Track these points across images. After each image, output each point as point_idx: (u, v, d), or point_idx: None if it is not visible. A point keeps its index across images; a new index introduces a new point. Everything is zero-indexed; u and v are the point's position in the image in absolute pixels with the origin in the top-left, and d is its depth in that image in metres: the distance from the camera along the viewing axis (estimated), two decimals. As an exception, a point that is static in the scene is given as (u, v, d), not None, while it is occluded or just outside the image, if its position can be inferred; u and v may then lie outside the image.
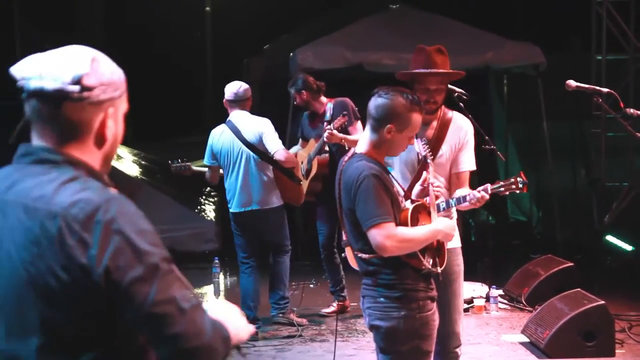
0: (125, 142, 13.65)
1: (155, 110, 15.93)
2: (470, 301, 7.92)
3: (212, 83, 17.33)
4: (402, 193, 4.17)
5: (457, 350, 4.83)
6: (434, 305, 4.09)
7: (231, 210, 7.34)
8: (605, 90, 5.00)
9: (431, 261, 4.01)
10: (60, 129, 1.97)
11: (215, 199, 12.10)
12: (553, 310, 6.74)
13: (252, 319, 7.19)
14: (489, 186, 4.51)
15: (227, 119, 7.24)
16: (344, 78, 9.88)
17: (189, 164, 7.63)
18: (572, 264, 8.15)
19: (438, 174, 4.69)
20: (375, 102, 4.03)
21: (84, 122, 1.99)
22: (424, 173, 4.34)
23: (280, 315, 7.55)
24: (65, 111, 1.96)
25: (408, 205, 4.06)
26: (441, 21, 10.90)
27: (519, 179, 4.51)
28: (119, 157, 12.53)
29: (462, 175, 4.84)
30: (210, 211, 11.80)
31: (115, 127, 2.06)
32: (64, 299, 1.86)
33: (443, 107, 4.87)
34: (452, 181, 4.84)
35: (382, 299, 3.99)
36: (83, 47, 2.06)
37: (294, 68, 9.95)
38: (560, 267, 8.11)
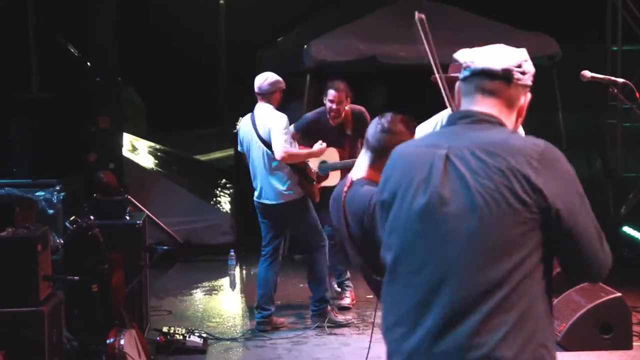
0: (141, 134, 13.72)
1: (170, 102, 15.97)
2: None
3: (225, 75, 17.36)
4: None
5: None
6: None
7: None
8: (620, 80, 4.97)
9: None
10: (499, 100, 2.55)
11: (231, 190, 12.12)
12: (569, 302, 6.72)
13: (257, 308, 7.21)
14: None
15: (253, 110, 7.29)
16: (358, 70, 9.86)
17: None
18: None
19: None
20: (376, 135, 3.80)
21: (515, 98, 2.58)
22: None
23: (315, 318, 7.37)
24: (505, 87, 2.55)
25: None
26: (454, 12, 10.87)
27: None
28: (135, 149, 12.56)
29: None
30: (225, 203, 11.82)
31: (524, 112, 2.63)
32: (524, 216, 2.37)
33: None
34: None
35: None
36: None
37: (307, 60, 9.94)
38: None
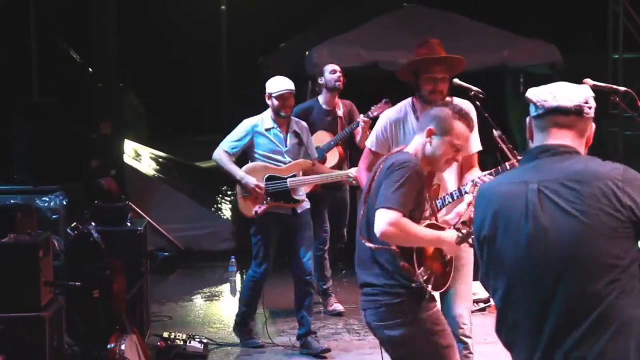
0: (142, 140, 13.72)
1: (171, 109, 15.98)
2: (487, 300, 7.89)
3: (227, 82, 17.37)
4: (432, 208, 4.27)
5: (461, 337, 4.84)
6: (436, 304, 4.16)
7: None
8: (622, 89, 4.97)
9: (425, 277, 4.01)
10: (572, 132, 2.86)
11: (232, 197, 12.11)
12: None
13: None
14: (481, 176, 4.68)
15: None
16: (360, 76, 9.87)
17: None
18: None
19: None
20: (425, 112, 4.19)
21: (584, 129, 2.89)
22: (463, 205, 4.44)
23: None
24: (578, 121, 2.86)
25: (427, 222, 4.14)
26: (456, 19, 10.90)
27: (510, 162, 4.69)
28: (137, 156, 12.56)
29: (472, 157, 5.07)
30: (226, 210, 11.82)
31: (590, 140, 2.94)
32: (620, 232, 2.64)
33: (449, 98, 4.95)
34: (464, 164, 5.00)
35: (383, 309, 4.01)
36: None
37: (309, 67, 9.96)
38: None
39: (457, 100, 4.96)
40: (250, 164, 6.95)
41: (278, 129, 6.92)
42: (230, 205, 11.88)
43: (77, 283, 5.53)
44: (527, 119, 2.96)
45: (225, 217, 11.56)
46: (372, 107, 7.55)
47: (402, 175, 3.91)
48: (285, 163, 6.90)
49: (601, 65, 10.55)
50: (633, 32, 10.68)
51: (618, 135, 10.65)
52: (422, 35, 10.10)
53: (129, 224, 6.82)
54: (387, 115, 5.20)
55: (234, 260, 9.21)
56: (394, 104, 5.51)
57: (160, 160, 13.19)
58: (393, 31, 10.56)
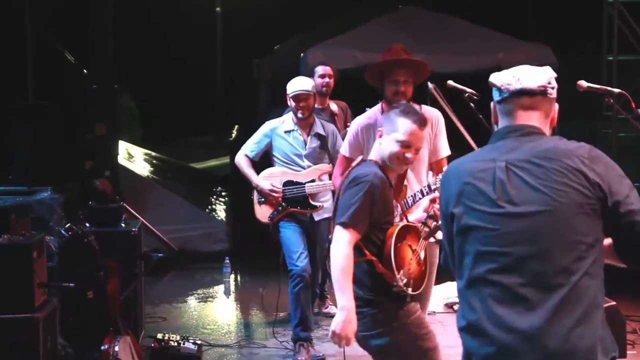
0: (136, 141, 13.72)
1: (166, 110, 15.99)
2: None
3: (222, 84, 17.38)
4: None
5: None
6: (417, 304, 4.21)
7: None
8: (616, 90, 4.98)
9: (405, 280, 4.03)
10: (538, 113, 2.91)
11: (226, 198, 12.12)
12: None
13: None
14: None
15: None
16: (355, 78, 9.86)
17: None
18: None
19: (419, 166, 5.13)
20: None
21: (549, 110, 2.93)
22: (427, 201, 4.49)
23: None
24: (543, 101, 2.91)
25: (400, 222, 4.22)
26: (451, 22, 10.90)
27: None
28: (130, 157, 12.56)
29: (441, 162, 5.26)
30: (220, 211, 11.82)
31: (555, 121, 2.96)
32: (588, 209, 2.70)
33: (411, 103, 5.00)
34: (435, 168, 5.22)
35: (367, 319, 4.05)
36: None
37: (304, 68, 9.94)
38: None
39: (425, 108, 5.13)
40: (269, 169, 6.83)
41: (299, 131, 6.77)
42: (224, 206, 11.89)
43: (71, 284, 5.52)
44: (492, 104, 3.00)
45: (219, 218, 11.56)
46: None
47: (360, 190, 3.98)
48: (304, 167, 6.74)
49: (596, 67, 10.57)
50: (627, 35, 10.70)
51: (612, 137, 10.66)
52: (417, 38, 10.18)
53: (123, 225, 6.81)
54: (358, 121, 5.41)
55: (228, 261, 9.20)
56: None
57: (154, 161, 13.20)
58: (388, 33, 10.54)
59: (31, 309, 5.24)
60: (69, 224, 6.20)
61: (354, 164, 4.24)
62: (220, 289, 9.34)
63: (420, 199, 4.84)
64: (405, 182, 4.82)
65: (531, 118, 2.90)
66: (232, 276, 9.52)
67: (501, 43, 10.63)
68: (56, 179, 8.22)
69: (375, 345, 4.09)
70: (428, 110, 5.16)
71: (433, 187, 4.78)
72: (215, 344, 7.16)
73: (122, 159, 11.42)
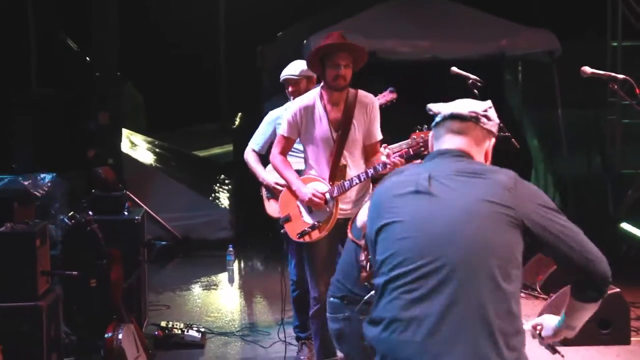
0: (140, 129, 13.71)
1: (169, 98, 15.96)
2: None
3: (225, 71, 17.33)
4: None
5: None
6: None
7: None
8: (620, 76, 4.95)
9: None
10: (468, 138, 2.91)
11: (230, 186, 12.11)
12: (568, 297, 6.69)
13: None
14: (396, 152, 5.09)
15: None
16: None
17: None
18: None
19: (354, 149, 5.41)
20: None
21: (480, 138, 2.94)
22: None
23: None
24: (474, 128, 2.92)
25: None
26: (455, 8, 10.86)
27: (422, 135, 4.96)
28: (134, 145, 12.55)
29: (375, 146, 5.47)
30: (224, 199, 11.81)
31: (489, 156, 2.99)
32: (508, 221, 2.72)
33: (348, 88, 5.41)
34: (367, 152, 5.49)
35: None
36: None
37: (307, 55, 9.92)
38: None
39: (362, 93, 5.50)
40: None
41: None
42: (228, 194, 11.88)
43: (74, 272, 5.52)
44: (430, 134, 3.05)
45: (223, 205, 11.55)
46: (378, 96, 7.29)
47: None
48: None
49: (600, 53, 10.52)
50: (632, 20, 10.66)
51: (616, 123, 10.63)
52: (420, 24, 10.15)
53: (126, 213, 6.81)
54: (298, 103, 5.58)
55: (231, 249, 9.20)
56: (397, 93, 5.92)
57: (158, 149, 13.18)
58: (391, 20, 10.52)
59: (34, 297, 5.25)
60: (72, 212, 6.19)
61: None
62: (224, 276, 9.35)
63: (357, 183, 5.23)
64: (344, 161, 5.30)
65: (461, 143, 2.92)
66: (236, 264, 9.52)
67: (505, 29, 10.59)
68: (59, 167, 8.24)
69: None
70: (364, 96, 5.48)
71: (370, 172, 5.16)
72: (219, 331, 7.16)
73: (125, 147, 11.41)
